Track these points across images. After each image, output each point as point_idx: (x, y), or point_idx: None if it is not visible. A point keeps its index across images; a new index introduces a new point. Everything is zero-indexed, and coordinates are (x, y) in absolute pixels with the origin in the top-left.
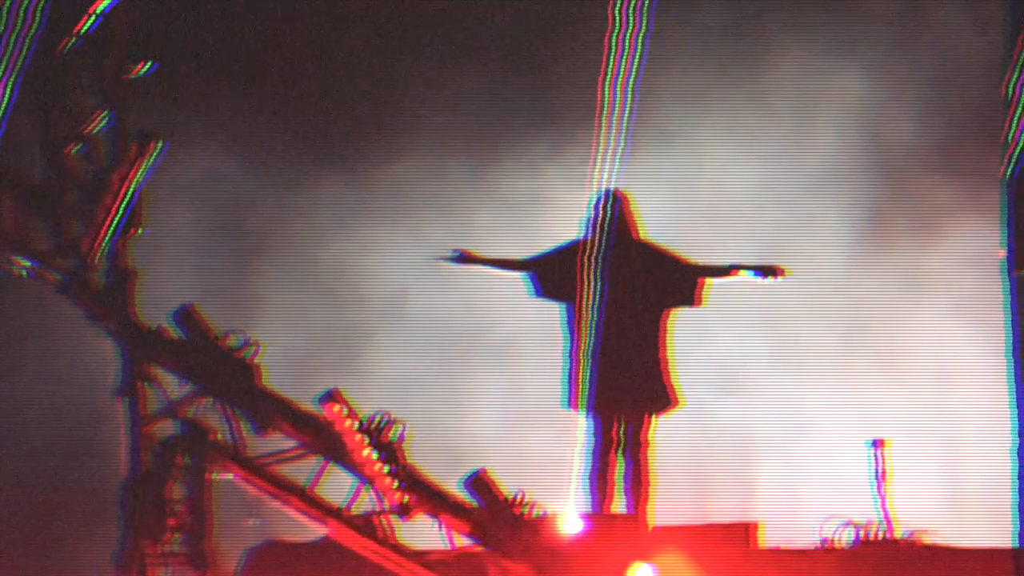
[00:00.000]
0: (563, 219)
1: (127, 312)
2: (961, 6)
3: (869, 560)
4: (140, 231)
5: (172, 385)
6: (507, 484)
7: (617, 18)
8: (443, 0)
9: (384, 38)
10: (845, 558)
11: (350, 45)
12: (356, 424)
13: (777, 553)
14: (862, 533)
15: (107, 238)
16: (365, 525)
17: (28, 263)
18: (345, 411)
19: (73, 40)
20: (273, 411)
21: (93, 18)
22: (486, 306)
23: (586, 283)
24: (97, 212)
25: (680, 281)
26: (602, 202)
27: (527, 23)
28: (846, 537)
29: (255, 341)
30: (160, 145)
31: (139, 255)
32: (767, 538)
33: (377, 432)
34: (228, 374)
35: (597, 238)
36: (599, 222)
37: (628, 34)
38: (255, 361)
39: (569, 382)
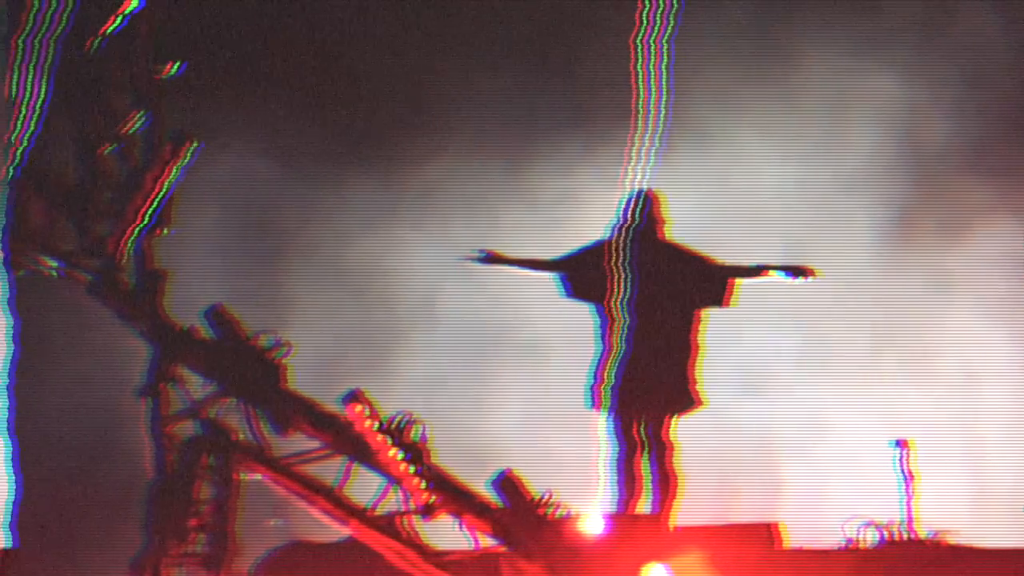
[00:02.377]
0: (595, 219)
1: (158, 312)
2: (992, 5)
3: (893, 560)
4: (166, 231)
5: (195, 385)
6: (534, 484)
7: (648, 18)
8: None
9: (416, 37)
10: (869, 558)
11: (381, 45)
12: (377, 424)
13: (800, 553)
14: (886, 533)
15: (133, 238)
16: (388, 525)
17: (56, 263)
18: (367, 411)
19: (99, 40)
20: (294, 411)
21: (120, 19)
22: (513, 306)
23: (615, 283)
24: (127, 212)
25: (710, 281)
26: (633, 202)
27: (560, 21)
28: (870, 537)
29: (286, 341)
30: (195, 145)
31: (169, 255)
32: (790, 538)
33: (399, 432)
34: (254, 374)
35: (626, 238)
36: (628, 222)
37: (660, 34)
38: (284, 362)
39: (594, 382)
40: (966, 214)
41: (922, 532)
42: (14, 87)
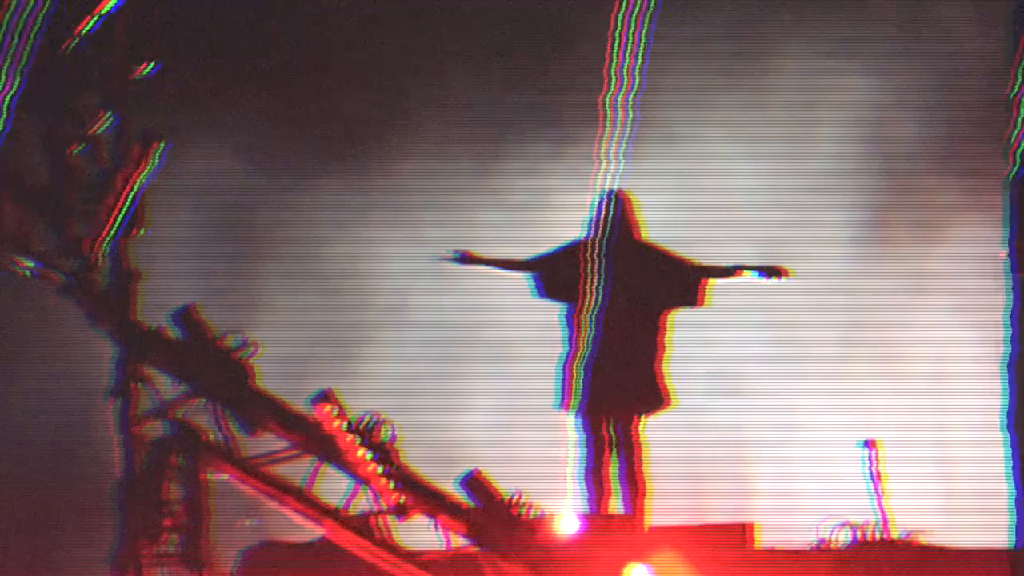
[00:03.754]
0: (566, 220)
1: (127, 313)
2: (965, 6)
3: (865, 561)
4: (142, 231)
5: (164, 386)
6: (504, 484)
7: (620, 19)
8: (445, 1)
9: (386, 39)
10: (841, 558)
11: (352, 46)
12: (346, 424)
13: (773, 553)
14: (859, 533)
15: (109, 238)
16: (362, 525)
17: (31, 263)
18: (335, 411)
19: (76, 40)
20: (263, 412)
21: (96, 19)
22: (484, 307)
23: (588, 283)
24: (100, 212)
25: (683, 281)
26: (605, 202)
27: (529, 24)
28: (843, 537)
29: (253, 342)
30: (163, 145)
31: (142, 256)
32: (763, 538)
33: (368, 432)
34: (222, 375)
35: (600, 238)
36: (602, 222)
37: (631, 35)
38: (251, 362)
39: (563, 383)
40: (939, 215)
41: (895, 532)
42: None
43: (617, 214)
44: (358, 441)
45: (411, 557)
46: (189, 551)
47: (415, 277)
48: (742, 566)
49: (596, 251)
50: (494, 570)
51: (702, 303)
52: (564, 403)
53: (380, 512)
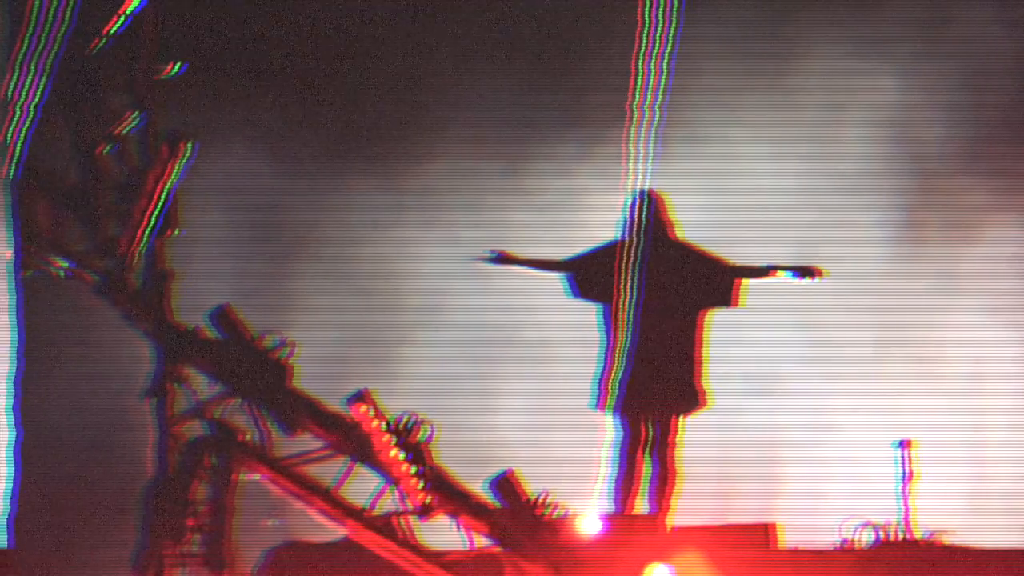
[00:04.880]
0: (597, 219)
1: (163, 312)
2: (991, 6)
3: (888, 561)
4: (177, 231)
5: (201, 386)
6: (534, 485)
7: (647, 18)
8: (474, 2)
9: (416, 38)
10: (864, 559)
11: (382, 45)
12: (383, 425)
13: (796, 553)
14: (882, 534)
15: (144, 238)
16: (385, 526)
17: (65, 263)
18: (372, 412)
19: (103, 41)
20: (301, 412)
21: (122, 19)
22: (518, 307)
23: (623, 283)
24: (133, 212)
25: (717, 281)
26: (638, 203)
27: (557, 23)
28: (866, 538)
29: (291, 342)
30: (190, 145)
31: (176, 255)
32: (787, 539)
33: (405, 433)
34: (260, 375)
35: (635, 238)
36: (636, 223)
37: (658, 34)
38: (289, 362)
39: (600, 383)
40: (971, 214)
41: (918, 532)
42: (12, 86)
43: (651, 214)
44: (394, 441)
45: (434, 557)
46: (212, 551)
47: (450, 277)
48: (764, 566)
49: (632, 251)
50: (516, 570)
51: (736, 303)
52: (600, 403)
53: (403, 512)
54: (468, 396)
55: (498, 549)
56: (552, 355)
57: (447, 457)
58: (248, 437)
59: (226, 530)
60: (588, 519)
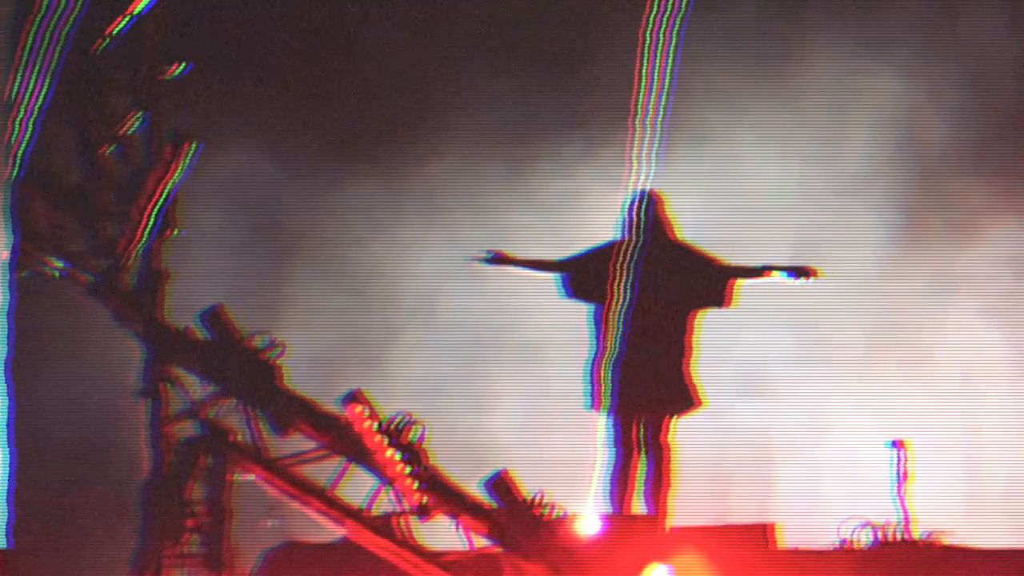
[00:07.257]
0: (598, 220)
1: (154, 313)
2: (994, 6)
3: (887, 561)
4: (176, 232)
5: (194, 386)
6: (529, 485)
7: (651, 19)
8: (476, 0)
9: (417, 38)
10: (863, 559)
11: (383, 45)
12: (376, 425)
13: (795, 554)
14: (880, 534)
15: (143, 239)
16: (383, 526)
17: (61, 264)
18: (366, 412)
19: (107, 41)
20: (294, 412)
21: (127, 20)
22: (513, 307)
23: (617, 284)
24: (132, 213)
25: (712, 281)
26: (637, 203)
27: (560, 23)
28: (864, 538)
29: (280, 342)
30: (194, 146)
31: (172, 256)
32: (785, 539)
33: (397, 433)
34: (251, 375)
35: (633, 239)
36: (635, 223)
37: (662, 34)
38: (279, 362)
39: (592, 383)
40: (968, 215)
41: (917, 533)
42: (16, 87)
43: (650, 214)
44: (387, 441)
45: (432, 557)
46: (210, 551)
47: (444, 277)
48: (763, 566)
49: (628, 251)
50: (515, 570)
51: (730, 303)
52: (594, 403)
53: (402, 512)
54: (462, 396)
55: (497, 549)
56: (546, 355)
57: (442, 457)
58: (240, 437)
59: (225, 530)
60: (587, 519)
